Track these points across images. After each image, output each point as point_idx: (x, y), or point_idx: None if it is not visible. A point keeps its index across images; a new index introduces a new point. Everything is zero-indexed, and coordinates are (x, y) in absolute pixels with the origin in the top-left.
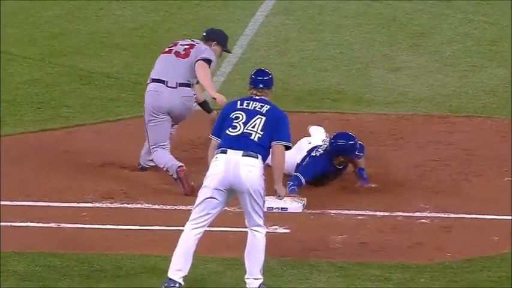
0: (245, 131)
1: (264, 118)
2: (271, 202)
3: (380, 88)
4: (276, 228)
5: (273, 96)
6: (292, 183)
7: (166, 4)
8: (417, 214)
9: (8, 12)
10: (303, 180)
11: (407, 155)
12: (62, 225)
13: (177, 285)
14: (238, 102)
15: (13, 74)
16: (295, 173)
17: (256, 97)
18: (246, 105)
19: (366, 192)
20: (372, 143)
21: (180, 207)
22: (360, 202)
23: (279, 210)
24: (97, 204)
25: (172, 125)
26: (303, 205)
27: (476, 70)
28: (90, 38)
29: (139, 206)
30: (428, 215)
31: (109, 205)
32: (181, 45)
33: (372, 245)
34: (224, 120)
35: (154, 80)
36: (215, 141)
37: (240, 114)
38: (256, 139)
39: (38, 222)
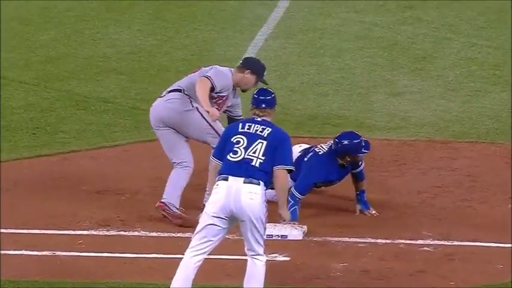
0: (246, 156)
1: (265, 142)
2: (271, 229)
3: (382, 113)
4: (276, 256)
5: (273, 121)
6: (292, 202)
7: (164, 28)
8: (420, 242)
9: (3, 36)
10: (301, 197)
11: (410, 181)
12: (58, 253)
13: None
14: (240, 124)
15: (8, 99)
16: (291, 190)
17: (258, 119)
18: (247, 129)
19: (367, 219)
20: (374, 168)
21: (177, 235)
22: (361, 229)
23: (279, 238)
24: (93, 232)
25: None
26: (303, 232)
27: (480, 95)
28: (86, 62)
29: (136, 233)
30: (431, 242)
31: (105, 232)
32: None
33: (374, 273)
34: (225, 143)
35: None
36: (216, 163)
37: (241, 138)
38: (257, 165)
39: (32, 250)
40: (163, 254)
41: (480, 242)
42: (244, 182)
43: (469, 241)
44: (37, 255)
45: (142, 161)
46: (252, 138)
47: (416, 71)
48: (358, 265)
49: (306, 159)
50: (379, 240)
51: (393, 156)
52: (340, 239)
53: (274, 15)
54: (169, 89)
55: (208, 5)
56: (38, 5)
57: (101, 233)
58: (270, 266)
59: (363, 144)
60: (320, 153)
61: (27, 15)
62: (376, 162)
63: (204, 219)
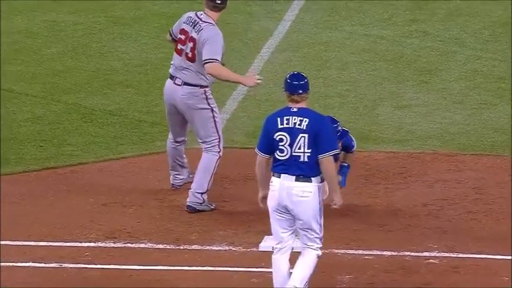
0: (293, 154)
1: (306, 135)
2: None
3: (388, 126)
4: None
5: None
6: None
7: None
8: (425, 254)
9: (11, 49)
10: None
11: (416, 194)
12: (65, 265)
13: None
14: (278, 120)
15: (15, 112)
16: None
17: (294, 109)
18: (286, 124)
19: (374, 231)
20: (380, 181)
21: (184, 247)
22: (367, 242)
23: None
24: (100, 244)
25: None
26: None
27: (485, 107)
28: (93, 75)
29: (143, 245)
30: (437, 254)
31: (112, 244)
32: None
33: (380, 285)
34: (268, 138)
35: None
36: (262, 157)
37: (283, 136)
38: (306, 159)
39: (39, 262)
40: (170, 266)
41: (485, 254)
42: (295, 180)
43: (474, 253)
44: (44, 267)
45: (148, 174)
46: (293, 134)
47: (422, 84)
48: (364, 277)
49: None
50: (385, 253)
51: (399, 168)
52: (346, 251)
53: (280, 28)
54: (184, 80)
55: None
56: (45, 19)
57: (107, 245)
58: None
59: (340, 130)
60: None
61: (34, 29)
62: (382, 174)
63: (272, 216)
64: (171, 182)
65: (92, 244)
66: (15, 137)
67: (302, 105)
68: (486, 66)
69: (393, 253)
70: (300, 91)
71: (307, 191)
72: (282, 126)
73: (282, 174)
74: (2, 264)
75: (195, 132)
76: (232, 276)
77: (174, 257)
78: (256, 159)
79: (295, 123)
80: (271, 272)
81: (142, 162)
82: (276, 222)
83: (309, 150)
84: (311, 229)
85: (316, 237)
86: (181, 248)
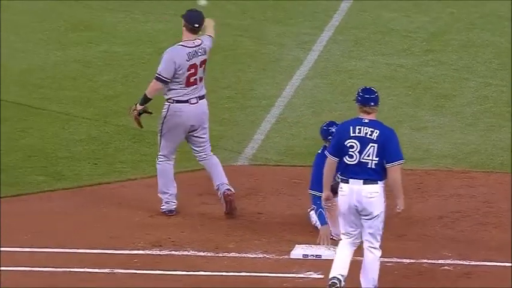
0: (361, 160)
1: (376, 145)
2: (307, 250)
3: (407, 145)
4: (311, 274)
5: (306, 152)
6: (315, 207)
7: (211, 70)
8: (440, 261)
9: (69, 77)
10: (319, 193)
11: (432, 207)
12: (116, 270)
13: (341, 282)
14: (351, 128)
15: (72, 133)
16: (309, 191)
17: (366, 120)
18: (358, 133)
19: (394, 240)
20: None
21: (222, 255)
22: (387, 250)
23: (314, 258)
24: (147, 251)
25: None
26: (335, 253)
27: (495, 129)
28: None
29: (186, 253)
30: (451, 262)
31: (158, 252)
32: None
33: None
34: (339, 144)
35: None
36: (332, 160)
37: (354, 143)
38: (373, 166)
39: (93, 268)
40: (210, 271)
41: (495, 262)
42: (363, 184)
43: (484, 261)
44: (97, 272)
45: (190, 188)
46: (364, 142)
47: (438, 108)
48: (385, 282)
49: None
50: (404, 260)
51: (417, 184)
52: None
53: (310, 57)
54: (198, 95)
55: (251, 48)
56: (99, 50)
57: (154, 252)
58: (306, 283)
59: (330, 130)
60: (319, 151)
61: (89, 59)
62: (402, 189)
63: (341, 217)
64: (173, 208)
65: (140, 252)
66: (72, 156)
67: (372, 116)
68: (495, 92)
69: (411, 260)
70: (372, 103)
71: (374, 191)
72: (353, 135)
73: (350, 179)
74: (61, 269)
75: (203, 140)
76: (267, 281)
77: (213, 264)
78: (326, 161)
79: (366, 133)
80: (301, 277)
81: (184, 177)
82: (345, 222)
83: (377, 158)
84: (376, 227)
85: (378, 234)
86: (220, 255)
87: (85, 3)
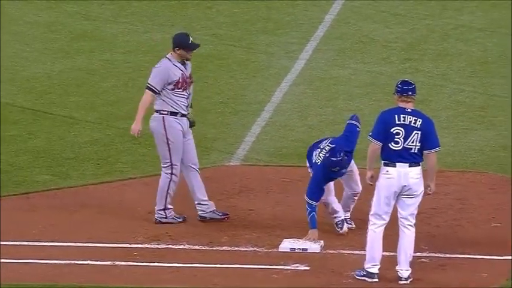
0: (406, 146)
1: (419, 133)
2: (294, 244)
3: None
4: (298, 266)
5: (293, 153)
6: (309, 209)
7: (205, 77)
8: (418, 254)
9: (73, 84)
10: (314, 203)
11: None
12: (117, 262)
13: (376, 277)
14: (396, 117)
15: (77, 136)
16: (305, 198)
17: (409, 110)
18: (403, 120)
19: None
20: None
21: (216, 248)
22: None
23: (301, 251)
24: (146, 245)
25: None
26: (321, 246)
27: (468, 132)
28: None
29: (182, 246)
30: (427, 255)
31: (156, 246)
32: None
33: (380, 279)
34: (385, 131)
35: None
36: (376, 144)
37: (400, 130)
38: (416, 151)
39: (96, 261)
40: (205, 263)
41: (468, 254)
42: (409, 166)
43: (458, 254)
44: (100, 264)
45: (186, 187)
46: (408, 129)
47: None
48: None
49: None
50: (384, 253)
51: None
52: (351, 252)
53: (296, 65)
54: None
55: (242, 57)
56: (102, 58)
57: (152, 246)
58: (293, 274)
59: (341, 160)
60: (318, 163)
61: (93, 67)
62: None
63: (383, 201)
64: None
65: (139, 245)
66: (77, 157)
67: (411, 106)
68: (468, 98)
69: (391, 253)
70: (410, 93)
71: (419, 173)
72: (399, 123)
73: (397, 163)
74: (66, 262)
75: (192, 154)
76: (257, 272)
77: (208, 256)
78: (369, 146)
79: (410, 121)
80: (289, 269)
81: (182, 176)
82: (385, 205)
83: (419, 144)
84: (417, 203)
85: (416, 214)
86: (214, 248)
87: (88, 16)
